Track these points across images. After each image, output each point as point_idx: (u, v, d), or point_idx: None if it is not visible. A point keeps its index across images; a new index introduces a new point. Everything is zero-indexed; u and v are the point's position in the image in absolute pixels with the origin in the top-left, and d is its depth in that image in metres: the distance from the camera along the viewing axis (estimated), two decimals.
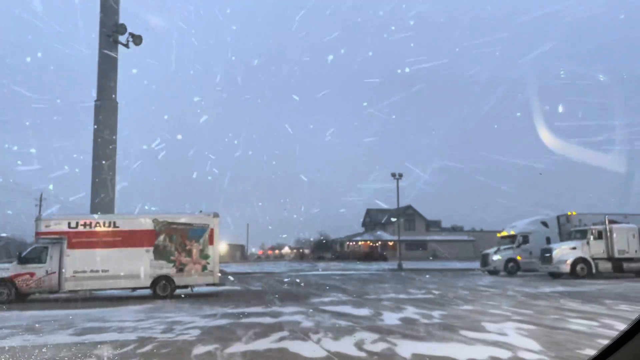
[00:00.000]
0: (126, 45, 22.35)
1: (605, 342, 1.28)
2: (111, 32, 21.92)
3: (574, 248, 23.48)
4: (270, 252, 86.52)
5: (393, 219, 54.35)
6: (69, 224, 15.69)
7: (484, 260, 28.78)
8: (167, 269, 16.05)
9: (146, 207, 17.95)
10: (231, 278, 19.26)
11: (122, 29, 22.08)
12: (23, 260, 15.42)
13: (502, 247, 28.16)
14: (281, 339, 8.01)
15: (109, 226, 15.97)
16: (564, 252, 23.44)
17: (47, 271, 15.34)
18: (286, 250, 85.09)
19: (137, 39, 22.46)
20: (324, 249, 66.94)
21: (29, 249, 15.98)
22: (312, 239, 70.48)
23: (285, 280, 24.76)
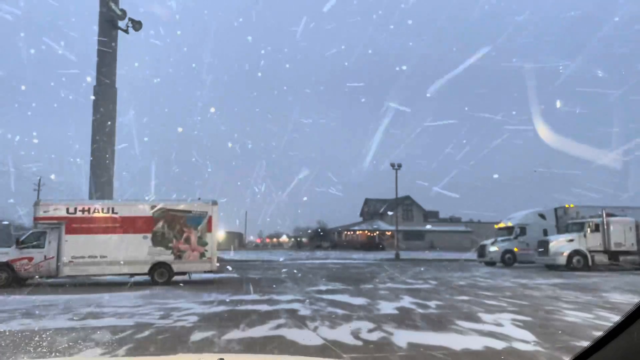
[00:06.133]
0: (126, 31, 22.20)
1: (599, 333, 1.30)
2: (111, 16, 21.75)
3: (571, 240, 23.59)
4: (268, 240, 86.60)
5: (390, 213, 54.53)
6: (68, 209, 15.70)
7: (481, 251, 28.90)
8: (165, 256, 16.10)
9: (146, 198, 17.90)
10: (229, 268, 19.36)
11: (122, 14, 21.91)
12: (21, 245, 15.45)
13: (499, 239, 28.27)
14: (278, 326, 8.06)
15: (107, 212, 15.98)
16: (561, 244, 23.55)
17: (45, 256, 15.38)
18: (284, 238, 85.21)
19: (136, 25, 22.29)
20: (321, 238, 67.06)
21: (27, 234, 16.01)
22: (310, 228, 70.63)
23: (283, 268, 24.85)
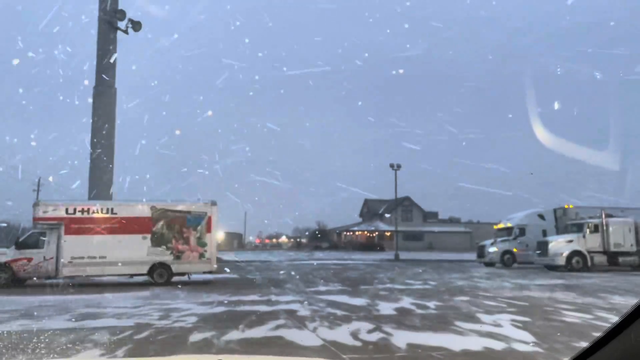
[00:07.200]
0: (125, 32, 22.18)
1: (598, 334, 1.30)
2: (110, 17, 21.75)
3: (570, 241, 23.60)
4: (267, 240, 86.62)
5: (387, 215, 54.54)
6: (67, 209, 15.69)
7: (480, 251, 28.89)
8: (165, 256, 16.09)
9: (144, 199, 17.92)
10: (227, 270, 19.38)
11: (121, 14, 21.90)
12: (21, 246, 15.44)
13: (498, 239, 28.26)
14: (277, 327, 8.05)
15: (107, 213, 15.97)
16: (560, 245, 23.56)
17: (44, 257, 15.37)
18: (283, 239, 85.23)
19: (136, 26, 22.28)
20: (321, 238, 67.06)
21: (26, 234, 16.00)
22: (309, 229, 70.63)
23: (282, 269, 24.84)
